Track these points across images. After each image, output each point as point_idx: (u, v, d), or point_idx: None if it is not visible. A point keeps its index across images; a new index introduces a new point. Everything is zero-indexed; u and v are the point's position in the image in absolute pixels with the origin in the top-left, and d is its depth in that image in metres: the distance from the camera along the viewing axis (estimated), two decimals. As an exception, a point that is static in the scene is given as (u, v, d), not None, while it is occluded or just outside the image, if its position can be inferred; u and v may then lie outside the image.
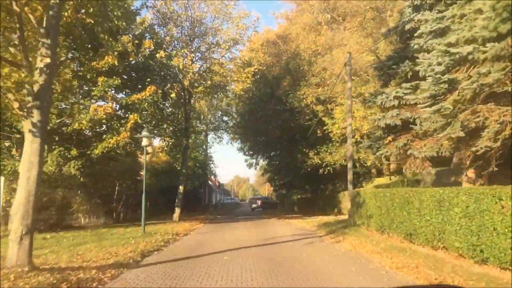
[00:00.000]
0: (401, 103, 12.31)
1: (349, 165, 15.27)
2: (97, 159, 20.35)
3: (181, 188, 22.06)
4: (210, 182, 67.62)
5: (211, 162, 39.08)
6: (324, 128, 24.22)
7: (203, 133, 37.95)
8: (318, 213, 31.56)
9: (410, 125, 11.82)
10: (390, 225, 10.34)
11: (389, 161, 23.23)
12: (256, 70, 22.33)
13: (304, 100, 25.32)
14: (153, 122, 19.57)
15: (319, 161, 25.95)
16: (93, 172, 23.11)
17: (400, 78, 12.76)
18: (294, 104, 26.20)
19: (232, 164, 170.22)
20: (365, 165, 28.01)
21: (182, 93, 20.73)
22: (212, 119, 37.74)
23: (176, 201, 21.93)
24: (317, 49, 26.42)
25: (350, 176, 15.17)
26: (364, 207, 12.40)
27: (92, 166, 20.01)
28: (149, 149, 40.89)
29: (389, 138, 12.93)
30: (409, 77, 12.24)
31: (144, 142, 14.70)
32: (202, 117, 25.33)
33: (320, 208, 33.62)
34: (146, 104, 17.79)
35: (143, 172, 39.16)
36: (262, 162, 44.48)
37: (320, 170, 26.32)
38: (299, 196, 46.19)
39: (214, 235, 15.29)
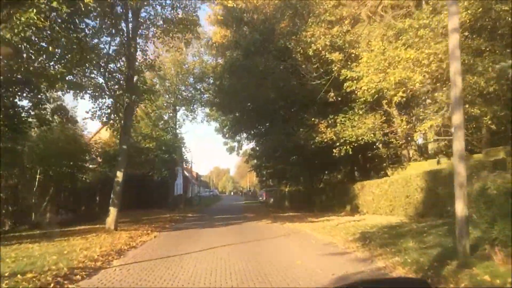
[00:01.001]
0: None
1: (457, 118, 6.80)
2: None
3: (119, 175, 13.38)
4: (186, 173, 59.10)
5: (182, 145, 30.37)
6: (345, 85, 15.87)
7: (171, 106, 29.13)
8: (320, 211, 23.75)
9: None
10: None
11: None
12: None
13: (313, 45, 16.91)
14: (56, 55, 10.77)
15: (333, 137, 17.69)
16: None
17: None
18: (297, 51, 17.80)
19: (211, 154, 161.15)
20: (393, 144, 19.99)
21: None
22: (181, 87, 28.98)
23: (112, 197, 13.28)
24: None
25: (459, 145, 6.70)
26: None
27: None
28: (104, 132, 31.82)
29: None
30: None
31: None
32: (158, 68, 16.50)
33: (322, 204, 25.62)
34: (34, 13, 9.05)
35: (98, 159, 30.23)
36: (247, 146, 36.18)
37: (334, 151, 18.08)
38: (288, 189, 38.15)
39: (154, 277, 6.81)
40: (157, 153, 27.03)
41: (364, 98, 14.93)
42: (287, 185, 39.22)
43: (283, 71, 19.35)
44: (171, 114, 29.38)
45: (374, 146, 22.23)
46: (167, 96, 28.61)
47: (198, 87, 28.87)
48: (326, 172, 30.88)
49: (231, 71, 21.20)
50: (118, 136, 27.41)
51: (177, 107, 29.95)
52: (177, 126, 29.92)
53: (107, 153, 27.37)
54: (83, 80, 14.09)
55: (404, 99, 14.22)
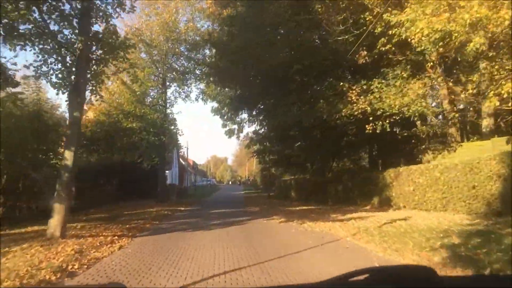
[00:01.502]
0: None
1: None
2: None
3: (68, 156, 9.03)
4: (182, 161, 55.05)
5: (173, 127, 25.97)
6: (391, 33, 11.50)
7: (160, 79, 24.59)
8: (337, 203, 19.92)
9: None
10: None
11: None
12: None
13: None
14: None
15: (367, 108, 13.36)
16: None
17: None
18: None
19: (208, 139, 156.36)
20: (433, 124, 15.75)
21: None
22: (172, 57, 24.40)
23: (57, 188, 8.94)
24: None
25: None
26: None
27: None
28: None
29: None
30: None
31: None
32: (131, 7, 12.04)
33: (338, 195, 21.50)
34: None
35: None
36: (248, 129, 31.78)
37: (367, 127, 13.80)
38: (295, 177, 33.89)
39: None
40: (143, 135, 22.69)
41: (423, 48, 10.53)
42: (292, 173, 35.02)
43: (299, 24, 14.89)
44: (160, 91, 24.88)
45: (395, 129, 18.05)
46: (155, 67, 24.10)
47: (191, 56, 24.27)
48: (335, 158, 26.73)
49: (231, 29, 16.75)
50: (100, 114, 23.10)
51: (168, 83, 25.46)
52: (168, 105, 25.47)
53: (84, 136, 23.00)
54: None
55: (484, 48, 9.86)
